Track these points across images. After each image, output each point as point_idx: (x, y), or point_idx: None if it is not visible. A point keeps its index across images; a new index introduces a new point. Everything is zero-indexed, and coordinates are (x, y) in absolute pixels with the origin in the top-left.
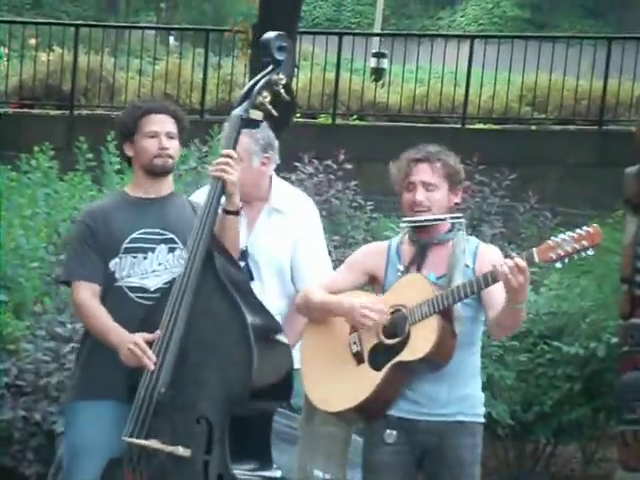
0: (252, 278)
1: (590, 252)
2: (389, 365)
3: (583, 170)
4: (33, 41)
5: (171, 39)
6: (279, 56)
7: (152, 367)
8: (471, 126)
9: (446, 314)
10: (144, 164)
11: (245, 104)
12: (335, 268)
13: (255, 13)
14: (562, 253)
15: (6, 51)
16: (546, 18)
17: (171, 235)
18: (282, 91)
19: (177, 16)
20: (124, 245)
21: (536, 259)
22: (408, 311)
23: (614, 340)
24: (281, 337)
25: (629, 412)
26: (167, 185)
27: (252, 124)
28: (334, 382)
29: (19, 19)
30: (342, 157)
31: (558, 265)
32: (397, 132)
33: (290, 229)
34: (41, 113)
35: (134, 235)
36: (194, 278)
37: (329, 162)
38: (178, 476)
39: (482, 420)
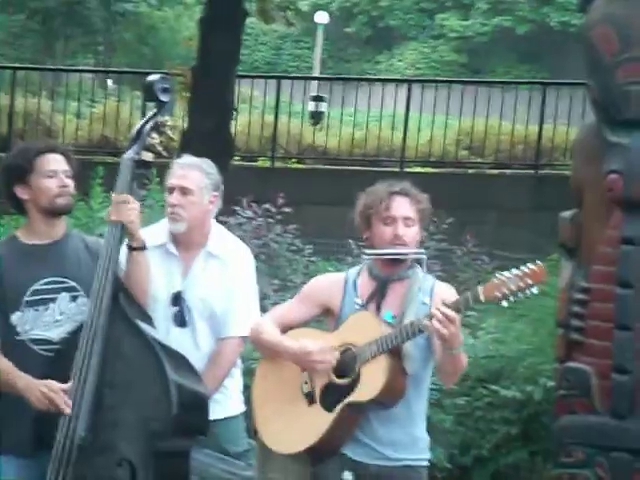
0: (184, 324)
1: (534, 290)
2: (340, 406)
3: (519, 214)
4: None
5: (109, 82)
6: (164, 98)
7: (68, 410)
8: (409, 169)
9: (396, 353)
10: (44, 205)
11: (135, 146)
12: None
13: (194, 57)
14: (507, 292)
15: None
16: (482, 63)
17: (72, 283)
18: (169, 132)
19: (115, 59)
20: (25, 298)
21: (482, 298)
22: (357, 350)
23: (550, 383)
24: (192, 369)
25: (566, 456)
26: (62, 226)
27: (144, 166)
28: (287, 423)
29: None
30: (281, 200)
31: (504, 304)
32: (336, 176)
33: (225, 275)
34: None
35: (34, 287)
36: (103, 322)
37: (268, 206)
38: None
39: (427, 463)
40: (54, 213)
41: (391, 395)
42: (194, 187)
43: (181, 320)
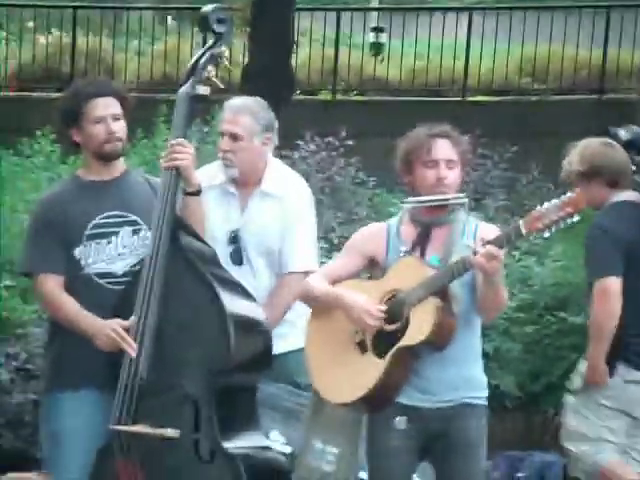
0: (241, 262)
1: (575, 219)
2: (391, 352)
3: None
4: (31, 24)
5: (169, 19)
6: (219, 29)
7: (133, 353)
8: (472, 98)
9: (443, 294)
10: (94, 150)
11: (191, 80)
12: (339, 245)
13: None
14: (548, 222)
15: (4, 34)
16: None
17: (134, 217)
18: (226, 63)
19: None
20: (86, 232)
21: (523, 232)
22: (405, 295)
23: None
24: (253, 304)
25: None
26: (119, 165)
27: (200, 100)
28: (340, 372)
29: (17, 2)
30: (343, 133)
31: (546, 234)
32: (398, 107)
33: (280, 213)
34: (41, 96)
35: (95, 221)
36: (162, 261)
37: (330, 139)
38: (170, 458)
39: (485, 403)
40: (104, 158)
41: (441, 336)
42: (244, 133)
43: (238, 258)
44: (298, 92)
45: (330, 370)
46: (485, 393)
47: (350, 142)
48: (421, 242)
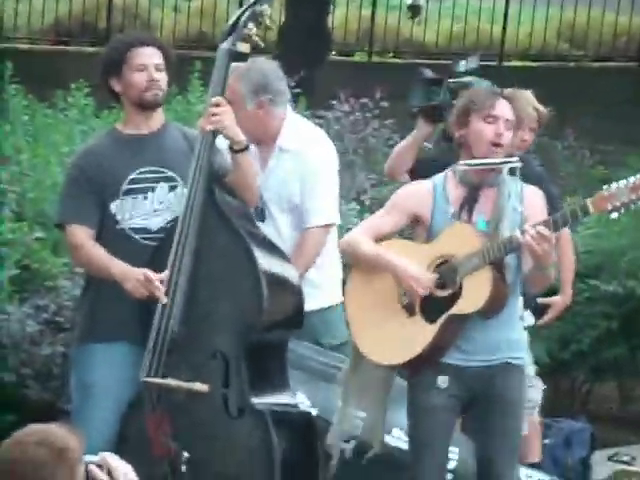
0: (264, 218)
1: None
2: (444, 317)
3: (621, 107)
4: None
5: None
6: None
7: (164, 299)
8: (508, 63)
9: (497, 264)
10: (134, 98)
11: (232, 37)
12: (371, 206)
13: None
14: (617, 204)
15: None
16: None
17: (171, 173)
18: (267, 21)
19: None
20: (124, 187)
21: (590, 210)
22: (458, 262)
23: None
24: (286, 262)
25: None
26: (158, 118)
27: (240, 57)
28: (386, 334)
29: None
30: (378, 95)
31: (613, 216)
32: (434, 69)
33: (300, 168)
34: (77, 50)
35: (132, 176)
36: (196, 215)
37: (365, 100)
38: (199, 412)
39: (524, 363)
40: (143, 106)
41: (494, 306)
42: (233, 97)
43: (260, 215)
44: (334, 53)
45: (374, 329)
46: (524, 354)
47: (385, 104)
48: (469, 204)
